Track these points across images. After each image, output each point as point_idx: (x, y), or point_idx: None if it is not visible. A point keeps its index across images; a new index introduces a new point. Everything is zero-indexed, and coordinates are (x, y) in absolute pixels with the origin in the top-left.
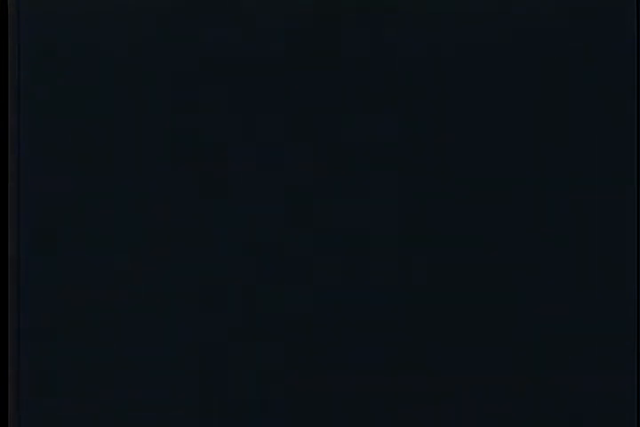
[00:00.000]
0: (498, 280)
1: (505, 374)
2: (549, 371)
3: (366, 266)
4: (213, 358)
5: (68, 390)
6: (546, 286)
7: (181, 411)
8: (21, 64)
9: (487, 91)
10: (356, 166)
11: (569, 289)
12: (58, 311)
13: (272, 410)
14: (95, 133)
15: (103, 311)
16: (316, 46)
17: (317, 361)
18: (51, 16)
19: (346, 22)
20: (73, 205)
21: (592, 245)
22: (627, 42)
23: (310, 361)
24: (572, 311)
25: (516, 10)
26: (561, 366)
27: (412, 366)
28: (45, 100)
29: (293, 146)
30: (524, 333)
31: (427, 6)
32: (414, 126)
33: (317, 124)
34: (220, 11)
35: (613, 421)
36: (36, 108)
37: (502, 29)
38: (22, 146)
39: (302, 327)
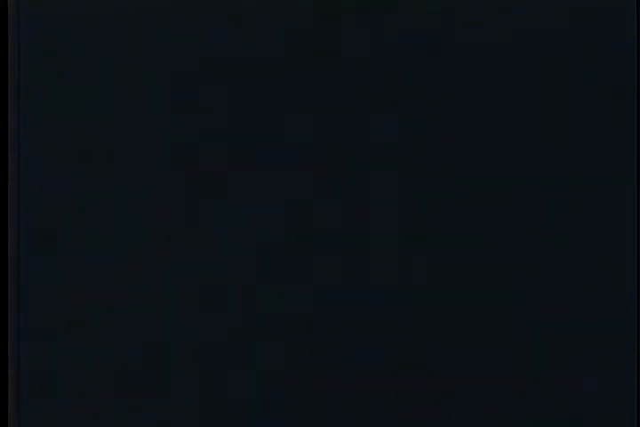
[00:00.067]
0: (498, 280)
1: (505, 374)
2: (549, 371)
3: (366, 266)
4: (213, 358)
5: (68, 390)
6: (546, 286)
7: (181, 411)
8: (21, 64)
9: (487, 91)
10: (356, 166)
11: (569, 289)
12: (58, 311)
13: (272, 410)
14: (95, 133)
15: (103, 311)
16: (316, 46)
17: (317, 361)
18: (51, 16)
19: (346, 22)
20: (73, 205)
21: (592, 245)
22: (627, 42)
23: (310, 361)
24: (572, 311)
25: (516, 10)
26: (561, 366)
27: (412, 366)
28: (45, 100)
29: (293, 146)
30: (524, 333)
31: (427, 6)
32: (414, 126)
33: (317, 124)
34: (219, 11)
35: (613, 421)
36: (36, 108)
37: (502, 29)
38: (22, 146)
39: (302, 327)
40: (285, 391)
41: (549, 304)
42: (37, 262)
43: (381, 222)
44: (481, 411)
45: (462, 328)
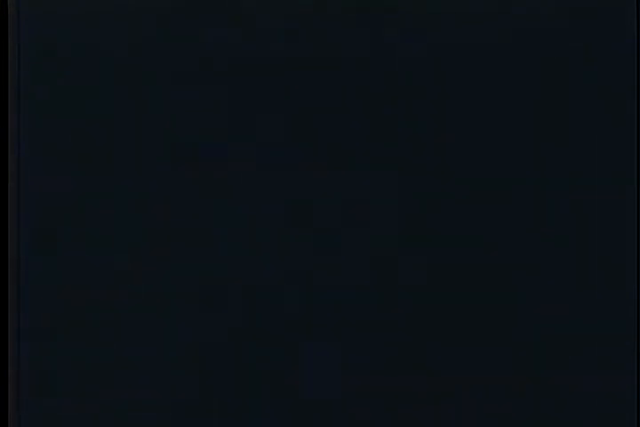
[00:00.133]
0: (498, 280)
1: (505, 374)
2: (549, 371)
3: (366, 266)
4: (213, 358)
5: (68, 390)
6: (546, 286)
7: (181, 411)
8: (21, 64)
9: (487, 91)
10: (356, 166)
11: (569, 289)
12: (58, 311)
13: (272, 410)
14: (95, 133)
15: (103, 311)
16: (316, 46)
17: (317, 361)
18: (51, 16)
19: (346, 22)
20: (73, 205)
21: (592, 245)
22: (627, 42)
23: (310, 361)
24: (572, 311)
25: (516, 10)
26: (561, 366)
27: (412, 366)
28: (45, 100)
29: (293, 146)
30: (524, 333)
31: (427, 6)
32: (414, 126)
33: (317, 124)
34: (219, 11)
35: (613, 421)
36: (36, 108)
37: (502, 29)
38: (22, 146)
39: (302, 327)
40: (285, 391)
41: (549, 304)
42: (37, 262)
43: (381, 222)
44: (481, 411)
45: (462, 328)
